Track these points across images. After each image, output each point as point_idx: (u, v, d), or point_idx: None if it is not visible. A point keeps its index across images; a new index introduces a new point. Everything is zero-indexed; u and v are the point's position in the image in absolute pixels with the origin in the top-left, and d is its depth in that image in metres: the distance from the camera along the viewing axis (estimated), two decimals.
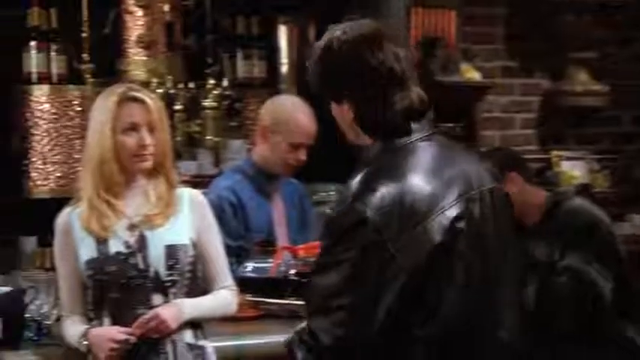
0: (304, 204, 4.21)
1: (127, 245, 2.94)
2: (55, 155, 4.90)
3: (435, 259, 2.19)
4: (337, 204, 2.28)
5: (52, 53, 4.95)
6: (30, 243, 4.89)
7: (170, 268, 2.94)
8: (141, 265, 2.92)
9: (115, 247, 2.94)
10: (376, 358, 2.22)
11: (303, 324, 2.25)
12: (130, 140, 2.95)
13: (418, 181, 2.24)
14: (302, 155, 4.02)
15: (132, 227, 2.96)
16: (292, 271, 3.63)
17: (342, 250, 2.20)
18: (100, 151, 2.94)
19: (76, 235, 2.97)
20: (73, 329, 3.00)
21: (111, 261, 2.92)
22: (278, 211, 4.08)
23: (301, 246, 3.68)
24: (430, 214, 2.21)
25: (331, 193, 5.13)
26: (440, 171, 2.27)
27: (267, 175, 4.07)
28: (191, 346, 2.97)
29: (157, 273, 2.93)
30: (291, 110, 4.04)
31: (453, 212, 2.23)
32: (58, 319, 2.99)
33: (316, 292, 2.23)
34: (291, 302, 3.56)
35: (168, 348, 2.93)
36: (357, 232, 2.18)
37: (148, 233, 2.95)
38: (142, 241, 2.94)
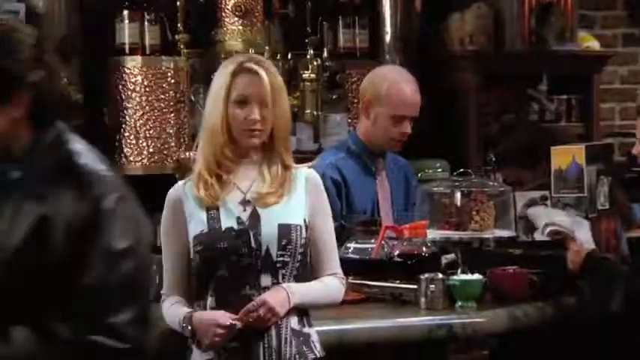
0: (410, 182, 4.22)
1: (239, 221, 2.96)
2: (148, 130, 4.95)
3: None
4: None
5: (146, 23, 5.00)
6: None
7: (282, 248, 2.95)
8: (253, 244, 2.94)
9: (226, 222, 2.95)
10: None
11: None
12: (240, 113, 2.97)
13: None
14: (406, 128, 4.02)
15: (245, 202, 2.99)
16: (396, 252, 3.66)
17: None
18: (212, 121, 2.99)
19: (187, 209, 2.99)
20: (175, 311, 3.01)
21: (222, 236, 2.95)
22: (383, 190, 4.11)
23: (406, 226, 3.67)
24: None
25: (438, 170, 5.11)
26: None
27: (372, 151, 4.11)
28: (296, 333, 2.97)
29: (268, 252, 2.94)
30: (392, 80, 4.05)
31: None
32: (157, 299, 3.03)
33: None
34: (395, 285, 3.59)
35: (273, 332, 2.93)
36: None
37: (261, 210, 2.97)
38: (255, 218, 2.95)
